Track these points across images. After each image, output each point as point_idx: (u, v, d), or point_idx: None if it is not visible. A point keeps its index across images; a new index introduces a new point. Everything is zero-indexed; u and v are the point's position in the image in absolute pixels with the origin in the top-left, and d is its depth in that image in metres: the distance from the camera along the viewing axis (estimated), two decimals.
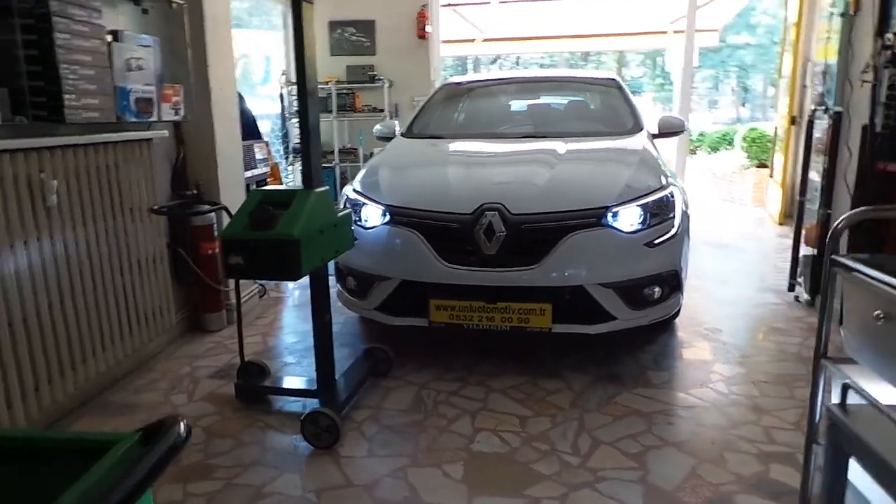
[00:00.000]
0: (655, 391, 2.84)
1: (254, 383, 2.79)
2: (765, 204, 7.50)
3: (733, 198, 8.26)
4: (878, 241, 3.19)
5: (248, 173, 4.28)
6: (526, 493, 2.12)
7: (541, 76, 5.16)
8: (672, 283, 3.05)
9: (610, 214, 2.89)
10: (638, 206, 2.95)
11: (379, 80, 6.86)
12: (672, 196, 3.09)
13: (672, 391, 2.83)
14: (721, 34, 12.78)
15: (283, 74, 6.75)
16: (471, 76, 5.27)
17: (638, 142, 3.64)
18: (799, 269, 4.08)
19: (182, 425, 0.84)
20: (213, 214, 3.56)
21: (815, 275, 3.85)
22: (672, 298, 3.07)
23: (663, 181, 3.12)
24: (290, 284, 4.63)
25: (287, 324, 3.87)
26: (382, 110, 6.88)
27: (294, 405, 2.75)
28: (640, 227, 2.93)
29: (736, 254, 5.23)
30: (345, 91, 6.90)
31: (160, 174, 3.37)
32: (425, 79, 6.98)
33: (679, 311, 3.27)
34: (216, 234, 3.58)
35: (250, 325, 3.74)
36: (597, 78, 4.75)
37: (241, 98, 4.22)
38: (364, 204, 3.21)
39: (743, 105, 29.02)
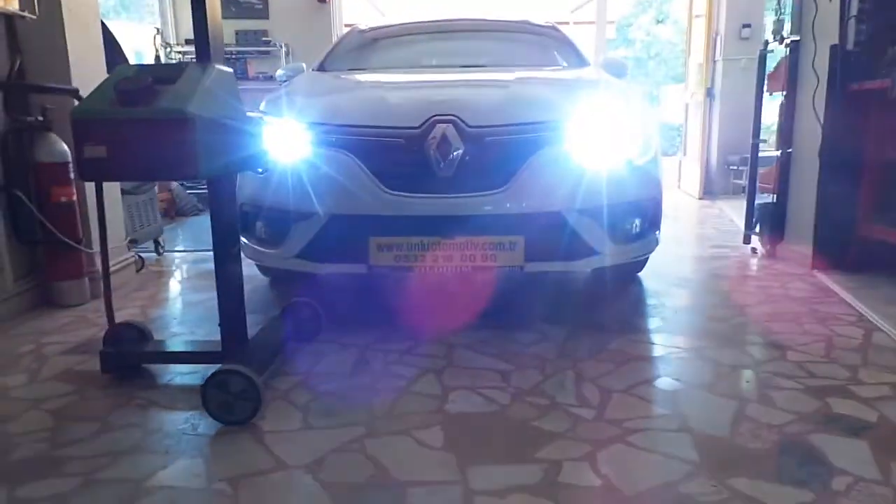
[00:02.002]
0: (650, 335, 2.34)
1: (128, 349, 1.98)
2: (677, 184, 7.41)
3: None
4: None
5: None
6: (538, 455, 1.51)
7: (470, 19, 4.54)
8: (653, 214, 2.60)
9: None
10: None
11: (274, 45, 6.09)
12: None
13: (669, 335, 2.33)
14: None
15: (157, 33, 5.81)
16: (383, 21, 4.64)
17: (593, 72, 3.21)
18: (755, 219, 3.79)
19: None
20: (66, 150, 2.70)
21: (775, 223, 3.56)
22: (651, 234, 2.62)
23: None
24: (177, 258, 3.77)
25: (173, 295, 3.03)
26: None
27: (189, 378, 1.98)
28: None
29: (672, 221, 4.93)
30: (234, 57, 6.07)
31: None
32: (327, 48, 6.28)
33: (649, 256, 2.83)
34: (73, 174, 2.72)
35: (125, 298, 2.88)
36: (534, 23, 4.24)
37: (105, 27, 3.35)
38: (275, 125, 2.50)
39: None
